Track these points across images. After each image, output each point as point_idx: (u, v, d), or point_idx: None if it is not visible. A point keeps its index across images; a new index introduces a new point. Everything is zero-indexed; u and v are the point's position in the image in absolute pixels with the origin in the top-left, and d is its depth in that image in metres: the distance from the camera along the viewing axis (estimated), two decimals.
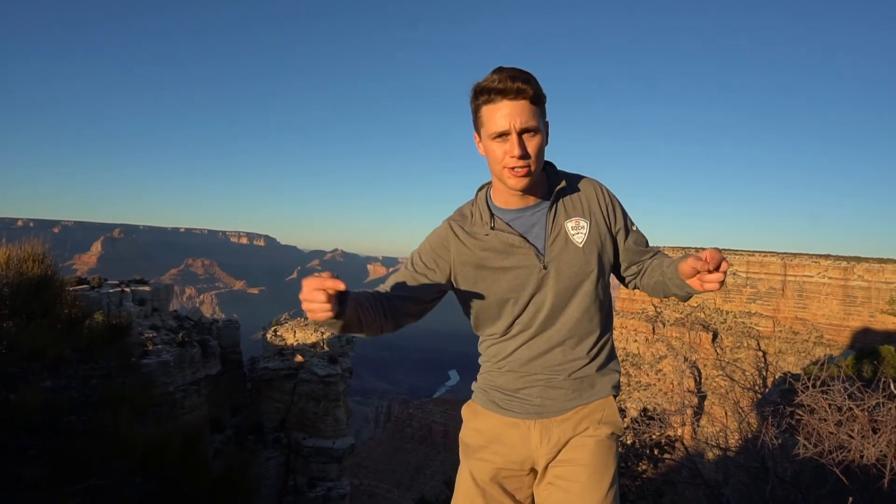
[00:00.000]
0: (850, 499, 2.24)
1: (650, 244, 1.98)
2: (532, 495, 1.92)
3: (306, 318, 40.66)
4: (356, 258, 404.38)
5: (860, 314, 64.95)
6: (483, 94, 1.66)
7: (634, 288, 2.01)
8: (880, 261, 65.63)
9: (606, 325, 1.91)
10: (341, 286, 1.42)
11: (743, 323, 69.99)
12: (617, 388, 1.94)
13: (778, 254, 71.65)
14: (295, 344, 37.56)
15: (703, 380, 63.74)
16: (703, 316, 71.08)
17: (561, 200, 1.84)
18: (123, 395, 2.99)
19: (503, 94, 1.62)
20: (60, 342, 2.99)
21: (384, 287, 1.80)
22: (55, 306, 3.27)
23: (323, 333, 38.07)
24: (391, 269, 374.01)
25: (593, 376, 1.89)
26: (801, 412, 3.00)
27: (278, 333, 38.39)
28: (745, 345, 67.41)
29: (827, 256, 69.18)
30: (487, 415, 1.94)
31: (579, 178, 1.92)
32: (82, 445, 2.68)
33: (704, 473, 3.67)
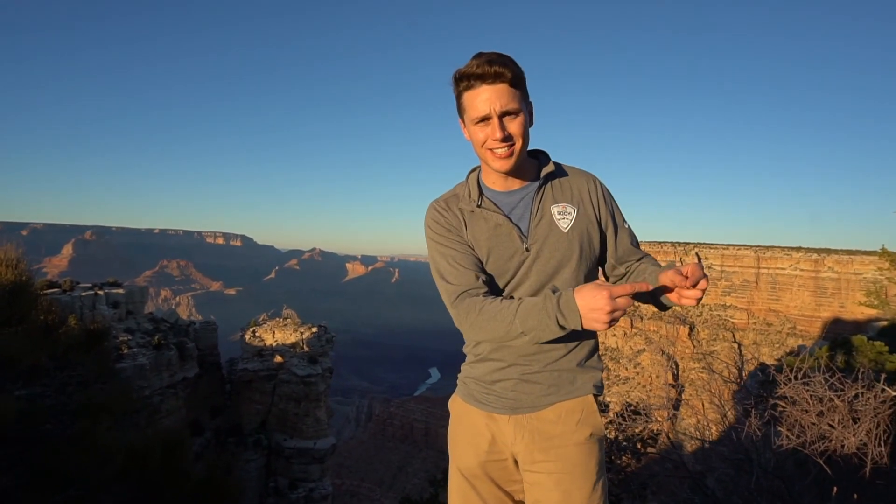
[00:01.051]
0: (835, 488, 2.27)
1: (638, 244, 1.95)
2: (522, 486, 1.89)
3: (285, 319, 40.30)
4: (334, 257, 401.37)
5: (831, 305, 66.42)
6: (463, 80, 1.69)
7: None
8: (849, 252, 67.13)
9: None
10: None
11: (718, 315, 71.12)
12: (599, 387, 1.88)
13: (751, 247, 72.92)
14: (274, 345, 37.19)
15: (680, 372, 64.68)
16: (679, 309, 71.92)
17: (549, 185, 1.84)
18: (102, 403, 2.91)
19: (482, 78, 1.65)
20: (36, 349, 2.90)
21: (467, 285, 1.73)
22: (30, 313, 3.17)
23: (302, 333, 37.81)
24: (370, 268, 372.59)
25: (573, 371, 1.83)
26: (783, 403, 3.04)
27: (257, 334, 37.97)
28: (721, 337, 68.51)
29: (798, 249, 70.62)
30: (467, 408, 1.94)
31: (574, 169, 1.91)
32: (60, 454, 2.61)
33: (687, 465, 3.71)
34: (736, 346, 66.82)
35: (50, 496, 2.53)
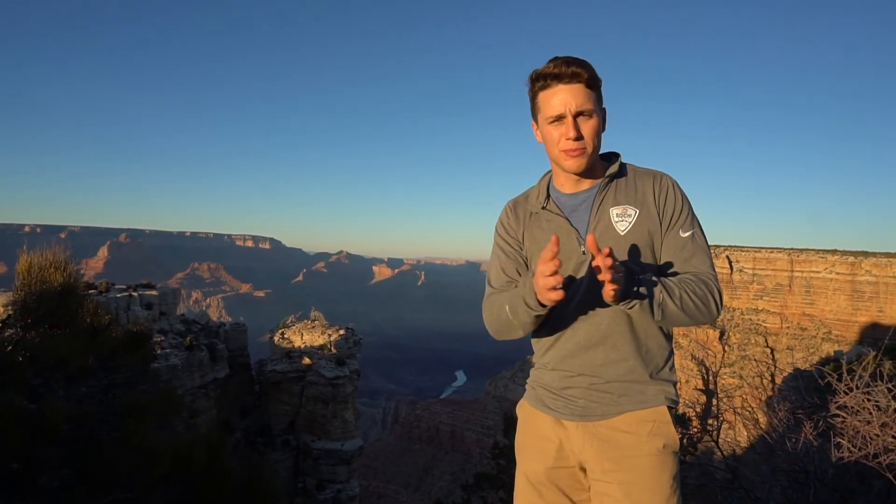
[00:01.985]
0: None
1: (700, 259, 1.73)
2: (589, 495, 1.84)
3: (313, 321, 40.66)
4: (361, 260, 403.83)
5: (868, 309, 64.44)
6: (539, 80, 1.71)
7: None
8: (888, 255, 65.08)
9: (657, 328, 1.78)
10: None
11: (750, 320, 69.51)
12: (673, 399, 1.80)
13: (784, 249, 71.19)
14: (302, 346, 37.54)
15: (711, 378, 63.39)
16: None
17: (613, 187, 1.79)
18: (147, 404, 2.93)
19: (558, 78, 1.66)
20: (84, 351, 2.93)
21: (501, 290, 1.84)
22: (78, 314, 3.21)
23: (330, 336, 38.08)
24: (396, 271, 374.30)
25: (645, 382, 1.76)
26: (844, 413, 2.90)
27: (285, 336, 38.37)
28: (753, 342, 66.95)
29: (834, 251, 68.70)
30: (535, 413, 1.91)
31: (646, 170, 1.85)
32: (108, 456, 2.62)
33: (737, 476, 3.58)
34: (769, 351, 65.29)
35: (98, 497, 2.54)
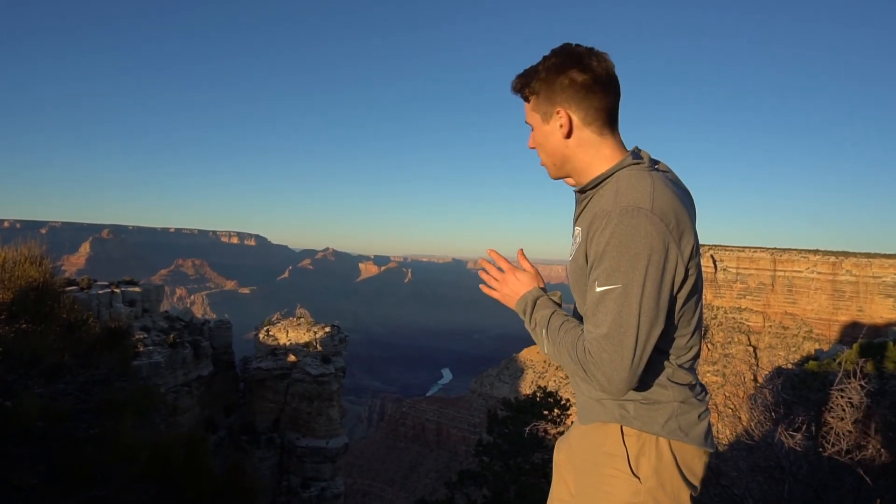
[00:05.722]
0: (878, 501, 2.19)
1: (595, 309, 1.42)
2: None
3: (299, 318, 40.47)
4: (348, 257, 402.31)
5: (848, 308, 65.45)
6: None
7: None
8: (868, 255, 66.16)
9: None
10: None
11: (733, 318, 70.38)
12: (630, 419, 1.53)
13: (767, 249, 72.10)
14: (287, 344, 37.36)
15: None
16: None
17: (589, 199, 1.58)
18: (125, 401, 2.90)
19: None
20: (59, 347, 2.90)
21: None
22: (54, 310, 3.17)
23: (315, 333, 37.92)
24: (382, 268, 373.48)
25: (598, 400, 1.59)
26: (819, 410, 2.95)
27: (270, 333, 38.17)
28: (736, 340, 67.77)
29: (816, 251, 69.71)
30: None
31: (624, 185, 1.47)
32: (83, 453, 2.60)
33: (714, 472, 3.63)
34: (751, 349, 66.09)
35: (73, 495, 2.51)
